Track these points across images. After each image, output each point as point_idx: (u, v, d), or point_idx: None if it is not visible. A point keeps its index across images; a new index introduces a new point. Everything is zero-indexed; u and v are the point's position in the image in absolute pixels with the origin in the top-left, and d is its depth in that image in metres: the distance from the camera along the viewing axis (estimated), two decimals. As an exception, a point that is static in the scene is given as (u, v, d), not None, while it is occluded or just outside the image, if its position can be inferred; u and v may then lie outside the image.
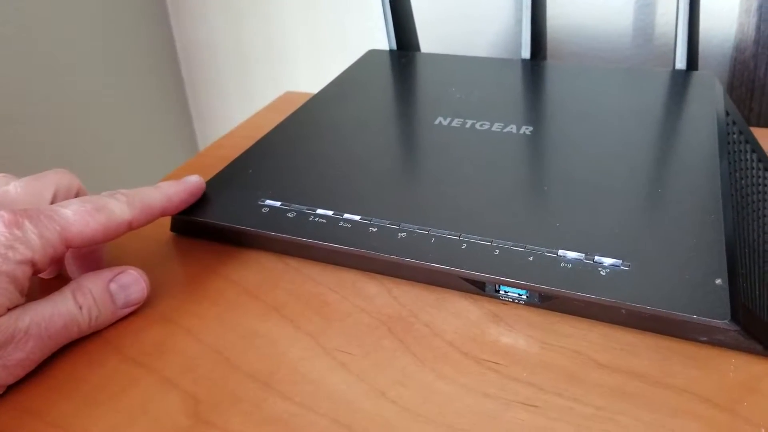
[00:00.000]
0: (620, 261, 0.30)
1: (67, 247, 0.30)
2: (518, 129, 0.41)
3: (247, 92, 0.86)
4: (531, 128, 0.41)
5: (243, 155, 0.42)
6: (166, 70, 0.86)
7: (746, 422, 0.26)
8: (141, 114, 0.84)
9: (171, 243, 0.39)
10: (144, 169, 0.86)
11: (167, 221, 0.41)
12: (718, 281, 0.29)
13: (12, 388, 0.30)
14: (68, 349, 0.32)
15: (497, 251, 0.32)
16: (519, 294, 0.31)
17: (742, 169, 0.37)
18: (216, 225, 0.37)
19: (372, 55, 0.54)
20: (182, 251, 0.39)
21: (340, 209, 0.35)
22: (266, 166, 0.41)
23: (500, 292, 0.32)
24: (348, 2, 0.73)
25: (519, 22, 0.66)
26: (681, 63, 0.46)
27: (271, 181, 0.39)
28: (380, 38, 0.74)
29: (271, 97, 0.84)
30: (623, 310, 0.29)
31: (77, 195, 0.35)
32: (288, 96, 0.60)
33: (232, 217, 0.36)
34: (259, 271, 0.36)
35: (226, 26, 0.82)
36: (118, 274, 0.33)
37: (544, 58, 0.52)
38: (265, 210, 0.36)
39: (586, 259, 0.31)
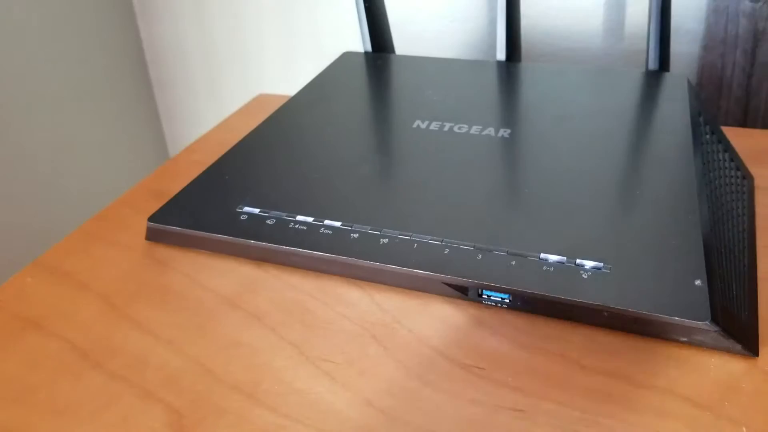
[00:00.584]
0: (601, 263, 0.31)
1: None
2: (496, 132, 0.41)
3: (217, 93, 0.85)
4: (509, 131, 0.41)
5: (219, 161, 0.42)
6: (133, 71, 0.85)
7: (728, 421, 0.27)
8: (108, 115, 0.83)
9: (146, 252, 0.39)
10: (112, 170, 0.85)
11: (143, 228, 0.40)
12: (698, 282, 0.29)
13: (-11, 406, 0.29)
14: (46, 365, 0.31)
15: (479, 256, 0.32)
16: (502, 298, 0.32)
17: (715, 169, 0.38)
18: (193, 234, 0.36)
19: (347, 57, 0.54)
20: (158, 260, 0.38)
21: (320, 215, 0.35)
22: (243, 171, 0.40)
23: (483, 296, 0.32)
24: (318, 3, 0.73)
25: (492, 22, 0.66)
26: (653, 64, 0.47)
27: (248, 187, 0.38)
28: (351, 39, 0.73)
29: (241, 98, 0.83)
30: (605, 313, 0.30)
31: None
32: (261, 98, 0.59)
33: (209, 226, 0.36)
34: (238, 280, 0.36)
35: (194, 27, 0.81)
36: None
37: (519, 59, 0.52)
38: (243, 217, 0.36)
39: (567, 262, 0.31)
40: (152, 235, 0.38)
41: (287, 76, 0.79)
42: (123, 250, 0.39)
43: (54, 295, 0.36)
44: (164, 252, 0.38)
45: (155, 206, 0.42)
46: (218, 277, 0.36)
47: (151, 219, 0.38)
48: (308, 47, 0.76)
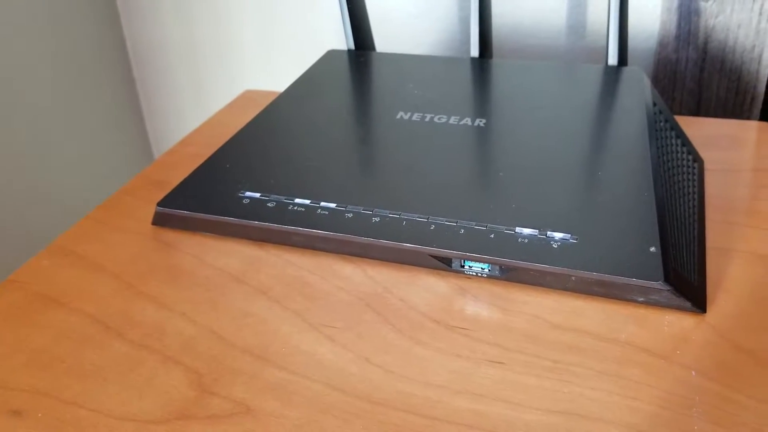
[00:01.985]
0: (569, 235, 0.35)
1: None
2: (473, 122, 0.45)
3: (200, 91, 0.88)
4: (484, 120, 0.45)
5: (219, 151, 0.45)
6: (117, 70, 0.87)
7: (680, 366, 0.31)
8: (92, 114, 0.85)
9: (153, 235, 0.42)
10: (96, 168, 0.87)
11: (148, 215, 0.43)
12: (653, 249, 0.33)
13: (20, 372, 0.32)
14: (71, 337, 0.34)
15: (462, 230, 0.36)
16: (482, 268, 0.35)
17: (668, 152, 0.42)
18: (200, 217, 0.40)
19: (331, 55, 0.57)
20: (165, 243, 0.41)
21: (317, 198, 0.39)
22: (243, 160, 0.43)
23: (465, 267, 0.36)
24: (298, 2, 0.76)
25: (462, 20, 0.70)
26: (613, 59, 0.51)
27: (249, 174, 0.42)
28: (329, 36, 0.77)
29: (224, 95, 0.86)
30: (573, 277, 0.34)
31: None
32: (248, 94, 0.63)
33: (215, 209, 0.39)
34: (242, 259, 0.39)
35: (177, 25, 0.83)
36: None
37: (491, 56, 0.56)
38: (246, 201, 0.39)
39: (539, 234, 0.35)
40: (159, 220, 0.42)
41: (269, 72, 0.82)
42: (131, 235, 0.42)
43: (70, 275, 0.39)
44: (170, 235, 0.42)
45: (157, 195, 0.46)
46: (223, 257, 0.39)
47: (160, 204, 0.41)
48: (288, 45, 0.79)
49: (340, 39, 0.76)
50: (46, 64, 0.77)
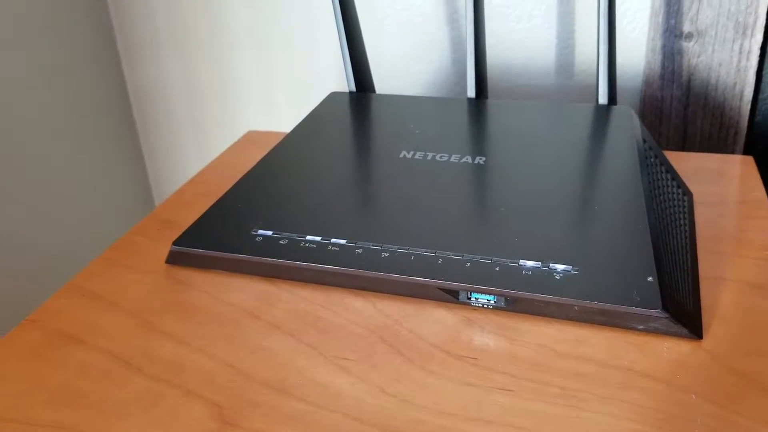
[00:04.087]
0: (570, 266, 0.36)
1: None
2: (473, 159, 0.47)
3: (200, 131, 0.89)
4: (484, 158, 0.47)
5: (230, 191, 0.47)
6: (117, 111, 0.89)
7: (680, 390, 0.32)
8: (93, 155, 0.86)
9: (166, 274, 0.43)
10: (96, 209, 0.88)
11: (159, 254, 0.44)
12: (650, 279, 0.35)
13: (44, 408, 0.33)
14: (91, 374, 0.35)
15: (468, 264, 0.37)
16: (488, 299, 0.37)
17: (659, 186, 0.45)
18: (214, 255, 0.41)
19: (334, 96, 0.59)
20: (179, 281, 0.42)
21: (327, 235, 0.40)
22: (254, 200, 0.45)
23: (471, 299, 0.37)
24: (298, 44, 0.79)
25: (454, 62, 0.73)
26: (603, 98, 0.54)
27: (260, 213, 0.43)
28: (328, 79, 0.79)
29: (223, 135, 0.88)
30: (576, 307, 0.35)
31: None
32: (251, 135, 0.64)
33: (230, 247, 0.41)
34: (254, 295, 0.41)
35: (177, 66, 0.85)
36: None
37: (486, 96, 0.58)
38: (259, 239, 0.41)
39: (542, 266, 0.37)
40: (173, 258, 0.43)
41: (268, 113, 0.84)
42: (144, 274, 0.43)
43: (88, 313, 0.40)
44: (183, 273, 0.43)
45: (166, 234, 0.47)
46: (236, 293, 0.41)
47: (175, 243, 0.42)
48: (287, 85, 0.82)
49: (338, 80, 0.78)
50: (46, 108, 0.79)
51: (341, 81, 0.78)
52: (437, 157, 0.47)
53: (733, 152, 0.65)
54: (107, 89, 0.87)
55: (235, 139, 0.64)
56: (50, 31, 0.78)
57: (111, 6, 0.84)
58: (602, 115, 0.52)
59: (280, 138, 0.53)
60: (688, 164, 0.53)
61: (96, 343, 0.38)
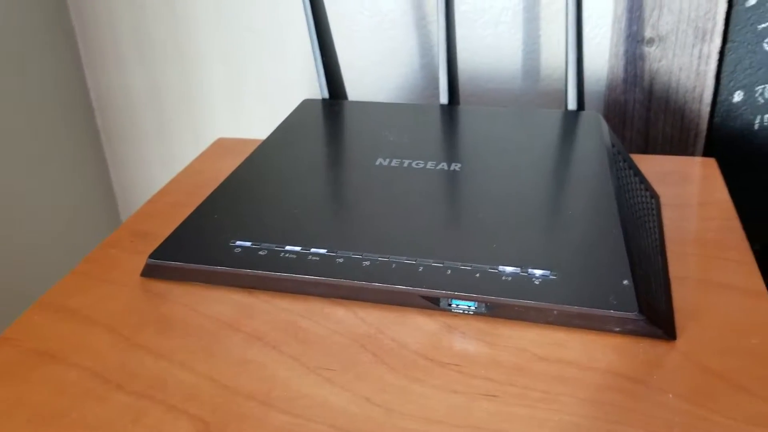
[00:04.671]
0: (549, 271, 0.37)
1: None
2: (449, 166, 0.47)
3: (165, 139, 0.88)
4: (459, 165, 0.47)
5: (206, 202, 0.46)
6: (80, 118, 0.87)
7: (657, 390, 0.33)
8: (55, 163, 0.85)
9: (142, 287, 0.43)
10: (59, 219, 0.86)
11: (134, 267, 0.44)
12: (626, 282, 0.36)
13: (24, 429, 0.32)
14: (71, 392, 0.35)
15: (449, 271, 0.38)
16: (469, 306, 0.37)
17: (629, 190, 0.46)
18: (192, 267, 0.41)
19: (307, 104, 0.59)
20: (155, 294, 0.42)
21: (307, 245, 0.40)
22: (230, 210, 0.45)
23: (452, 305, 0.38)
24: (265, 50, 0.78)
25: (423, 67, 0.73)
26: (572, 104, 0.55)
27: (238, 224, 0.43)
28: (296, 85, 0.79)
29: (190, 143, 0.87)
30: (555, 311, 0.36)
31: None
32: (221, 142, 0.64)
33: (208, 259, 0.41)
34: (234, 307, 0.40)
35: (142, 73, 0.84)
36: None
37: (458, 102, 0.59)
38: (237, 250, 0.41)
39: (521, 272, 0.37)
40: (149, 271, 0.42)
41: (235, 120, 0.84)
42: (119, 287, 0.43)
43: (63, 329, 0.39)
44: (159, 286, 0.42)
45: (140, 246, 0.46)
46: (215, 305, 0.40)
47: (152, 256, 0.42)
48: (254, 92, 0.81)
49: (308, 87, 0.78)
50: (7, 114, 0.77)
51: (310, 88, 0.78)
52: (413, 165, 0.48)
53: (693, 154, 0.67)
54: (69, 97, 0.85)
55: (203, 147, 0.63)
56: (6, 35, 0.76)
57: (72, 11, 0.83)
58: (572, 120, 0.53)
59: (252, 145, 0.53)
60: (652, 167, 0.55)
61: (74, 361, 0.37)
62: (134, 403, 0.34)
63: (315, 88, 0.61)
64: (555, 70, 0.70)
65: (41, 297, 0.42)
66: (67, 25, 0.83)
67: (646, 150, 0.68)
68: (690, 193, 0.52)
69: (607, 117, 0.68)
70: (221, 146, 0.63)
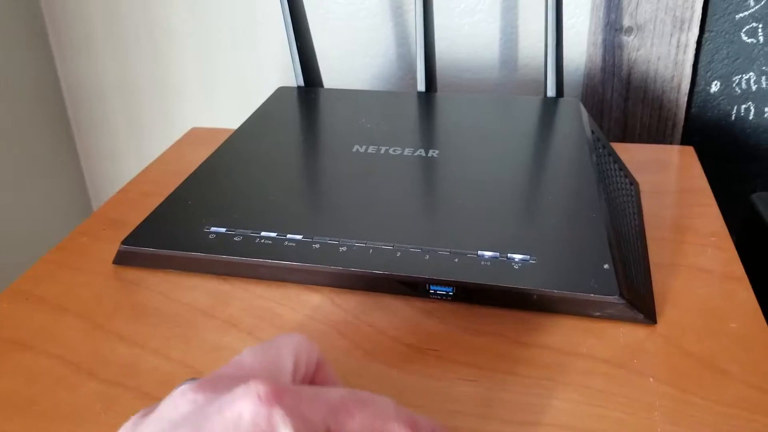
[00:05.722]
0: (528, 256, 0.37)
1: None
2: (426, 153, 0.47)
3: (137, 130, 0.87)
4: (437, 151, 0.47)
5: (179, 188, 0.45)
6: (51, 110, 0.86)
7: (638, 374, 0.33)
8: (26, 155, 0.83)
9: (115, 274, 0.42)
10: (31, 209, 0.84)
11: (106, 254, 0.43)
12: (606, 266, 0.36)
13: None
14: (42, 380, 0.34)
15: (427, 256, 0.37)
16: (447, 291, 0.37)
17: (608, 176, 0.46)
18: (166, 254, 0.40)
19: (282, 91, 0.58)
20: (128, 281, 0.41)
21: (283, 231, 0.39)
22: (206, 196, 0.44)
23: (431, 291, 0.37)
24: (237, 39, 0.77)
25: (400, 56, 0.73)
26: (551, 91, 0.55)
27: (213, 210, 0.42)
28: (270, 74, 0.78)
29: (163, 133, 0.86)
30: (534, 296, 0.36)
31: (318, 367, 0.27)
32: (195, 131, 0.63)
33: (182, 245, 0.40)
34: (208, 293, 0.40)
35: (113, 64, 0.83)
36: None
37: (436, 90, 0.58)
38: (212, 236, 0.40)
39: (500, 256, 0.37)
40: (122, 258, 0.41)
41: (208, 110, 0.83)
42: (91, 275, 0.42)
43: (33, 318, 0.38)
44: (132, 273, 0.42)
45: (113, 234, 0.45)
46: (189, 292, 0.40)
47: (124, 242, 0.41)
48: (227, 82, 0.80)
49: (282, 76, 0.77)
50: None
51: (285, 76, 0.77)
52: (391, 151, 0.47)
53: (671, 143, 0.67)
54: (40, 89, 0.84)
55: (176, 138, 0.62)
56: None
57: (43, 3, 0.81)
58: (551, 107, 0.53)
59: (226, 135, 0.52)
60: (631, 155, 0.54)
61: (44, 349, 0.36)
62: (106, 391, 0.33)
63: (291, 77, 0.60)
64: (533, 59, 0.69)
65: (11, 285, 0.41)
66: (38, 17, 0.82)
67: (624, 139, 0.68)
68: (669, 180, 0.52)
69: (586, 106, 0.68)
70: (195, 136, 0.62)
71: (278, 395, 0.21)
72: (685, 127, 0.67)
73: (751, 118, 0.66)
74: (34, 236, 0.84)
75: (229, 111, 0.82)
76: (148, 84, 0.83)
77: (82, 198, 0.93)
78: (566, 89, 0.69)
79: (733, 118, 0.67)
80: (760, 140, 0.67)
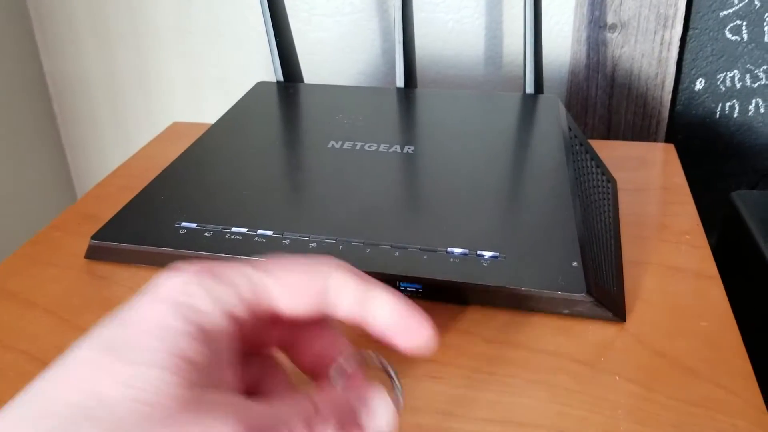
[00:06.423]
0: (497, 253, 0.37)
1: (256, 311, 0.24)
2: (402, 149, 0.47)
3: (122, 124, 0.87)
4: (413, 148, 0.47)
5: (152, 183, 0.45)
6: (36, 104, 0.85)
7: (604, 372, 0.33)
8: (11, 149, 0.83)
9: (86, 269, 0.41)
10: (16, 204, 0.84)
11: (79, 249, 0.43)
12: (575, 264, 0.36)
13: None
14: (7, 376, 0.34)
15: (397, 253, 0.37)
16: (416, 288, 0.37)
17: (584, 174, 0.45)
18: (136, 249, 0.40)
19: (261, 86, 0.58)
20: (99, 276, 0.41)
21: (253, 227, 0.39)
22: (178, 192, 0.44)
23: (400, 288, 0.37)
24: (222, 33, 0.77)
25: (384, 53, 0.72)
26: (530, 88, 0.54)
27: (184, 205, 0.42)
28: (254, 69, 0.78)
29: (147, 128, 0.85)
30: (503, 293, 0.36)
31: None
32: (175, 126, 0.63)
33: (152, 240, 0.39)
34: (179, 289, 0.39)
35: (98, 58, 0.82)
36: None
37: (416, 86, 0.58)
38: (182, 231, 0.40)
39: (470, 253, 0.37)
40: (93, 253, 0.41)
41: (192, 105, 0.82)
42: (62, 270, 0.42)
43: (3, 312, 0.38)
44: (103, 268, 0.41)
45: (87, 228, 0.45)
46: (160, 288, 0.39)
47: (94, 237, 0.41)
48: (211, 77, 0.80)
49: (265, 71, 0.77)
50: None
51: (270, 72, 0.77)
52: (366, 147, 0.47)
53: (655, 141, 0.67)
54: (24, 81, 0.83)
55: (159, 132, 0.62)
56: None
57: (28, -5, 0.81)
58: (529, 104, 0.53)
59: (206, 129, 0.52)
60: (612, 152, 0.54)
61: (10, 344, 0.36)
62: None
63: (273, 72, 0.59)
64: (518, 56, 0.69)
65: (-20, 280, 0.41)
66: (23, 11, 0.81)
67: (608, 137, 0.68)
68: (648, 177, 0.52)
69: (570, 103, 0.67)
70: (175, 130, 0.62)
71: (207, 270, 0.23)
72: (669, 124, 0.66)
73: (735, 115, 0.66)
74: (19, 229, 0.84)
75: (212, 105, 0.82)
76: (134, 78, 0.83)
77: (68, 192, 0.93)
78: (550, 86, 0.69)
79: (717, 115, 0.67)
80: (744, 138, 0.67)
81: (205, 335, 0.21)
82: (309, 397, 0.23)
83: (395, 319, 0.25)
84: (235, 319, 0.23)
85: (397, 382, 0.26)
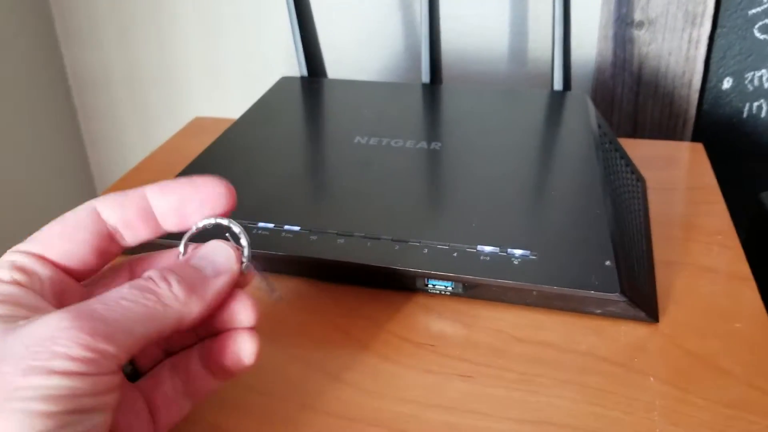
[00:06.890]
0: (528, 252, 0.36)
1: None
2: (429, 145, 0.46)
3: (143, 118, 0.87)
4: (440, 144, 0.46)
5: (178, 178, 0.45)
6: (57, 98, 0.86)
7: (638, 373, 0.32)
8: (32, 143, 0.83)
9: (111, 263, 0.41)
10: (37, 198, 0.84)
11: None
12: (608, 263, 0.35)
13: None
14: None
15: (426, 250, 0.36)
16: (446, 286, 0.36)
17: (614, 172, 0.45)
18: (163, 244, 0.39)
19: (285, 81, 0.58)
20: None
21: (280, 222, 0.39)
22: (203, 186, 0.43)
23: (429, 285, 0.37)
24: (244, 28, 0.77)
25: (407, 48, 0.72)
26: (558, 85, 0.54)
27: (209, 200, 0.41)
28: (276, 64, 0.77)
29: (168, 122, 0.85)
30: (534, 292, 0.35)
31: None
32: (198, 121, 0.62)
33: (177, 236, 0.39)
34: (204, 283, 0.39)
35: (120, 52, 0.83)
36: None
37: (441, 81, 0.57)
38: (208, 226, 0.39)
39: (500, 251, 0.36)
40: (119, 247, 0.41)
41: (214, 99, 0.82)
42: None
43: None
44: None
45: (112, 222, 0.45)
46: (185, 282, 0.39)
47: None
48: (233, 72, 0.80)
49: (287, 65, 0.77)
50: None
51: (291, 67, 0.77)
52: (392, 143, 0.47)
53: (681, 140, 0.66)
54: (46, 76, 0.84)
55: (181, 126, 0.62)
56: (-15, 12, 0.74)
57: (50, -12, 0.81)
58: (557, 100, 0.52)
59: (228, 124, 0.52)
60: (639, 151, 0.53)
61: None
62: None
63: (295, 67, 0.59)
64: (543, 53, 0.68)
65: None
66: (44, 4, 0.82)
67: (634, 135, 0.67)
68: (677, 177, 0.51)
69: (596, 101, 0.67)
70: (198, 125, 0.61)
71: None
72: (696, 123, 0.66)
73: (763, 115, 0.65)
74: (38, 225, 0.84)
75: (234, 99, 0.81)
76: (154, 72, 0.83)
77: (88, 187, 0.93)
78: (576, 83, 0.68)
79: (744, 115, 0.66)
80: (772, 138, 0.66)
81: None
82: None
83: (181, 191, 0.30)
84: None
85: (243, 238, 0.29)
